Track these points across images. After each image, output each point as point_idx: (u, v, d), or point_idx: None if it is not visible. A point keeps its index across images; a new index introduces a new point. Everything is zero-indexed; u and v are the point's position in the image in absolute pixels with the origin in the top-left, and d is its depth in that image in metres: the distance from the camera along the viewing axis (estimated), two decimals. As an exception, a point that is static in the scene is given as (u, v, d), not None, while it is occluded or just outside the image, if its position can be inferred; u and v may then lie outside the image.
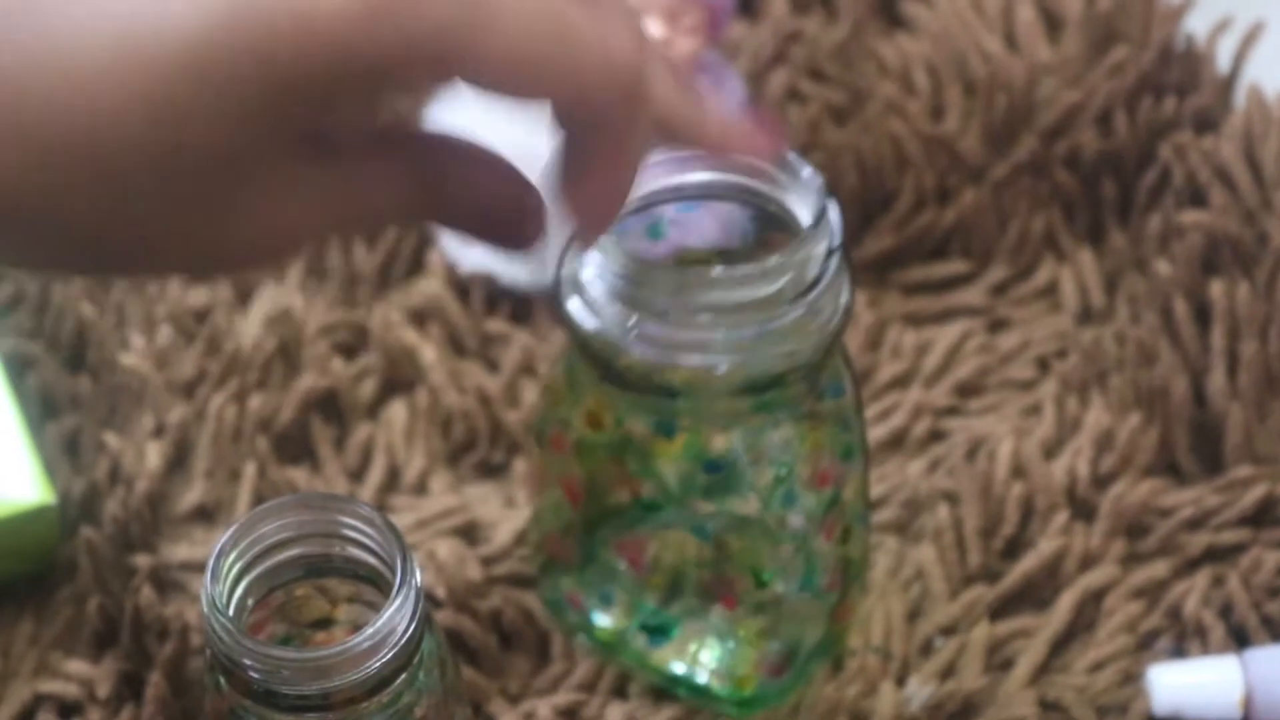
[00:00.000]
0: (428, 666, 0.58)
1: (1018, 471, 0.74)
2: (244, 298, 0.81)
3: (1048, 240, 0.83)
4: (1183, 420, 0.75)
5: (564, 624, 0.70)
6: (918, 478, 0.75)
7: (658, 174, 0.60)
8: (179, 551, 0.74)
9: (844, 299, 0.60)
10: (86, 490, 0.73)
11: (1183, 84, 0.85)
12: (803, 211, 0.59)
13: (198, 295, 0.81)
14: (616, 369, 0.60)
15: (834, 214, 0.58)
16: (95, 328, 0.79)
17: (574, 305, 0.60)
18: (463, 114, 0.81)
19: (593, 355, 0.60)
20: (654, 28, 0.77)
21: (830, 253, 0.58)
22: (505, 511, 0.75)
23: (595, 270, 0.59)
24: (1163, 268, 0.79)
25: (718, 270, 0.58)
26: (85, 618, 0.70)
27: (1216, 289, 0.77)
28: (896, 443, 0.77)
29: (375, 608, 0.58)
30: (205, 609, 0.55)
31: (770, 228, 0.61)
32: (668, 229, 0.62)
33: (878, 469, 0.76)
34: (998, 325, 0.82)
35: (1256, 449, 0.75)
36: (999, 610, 0.72)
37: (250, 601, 0.58)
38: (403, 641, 0.55)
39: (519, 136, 0.78)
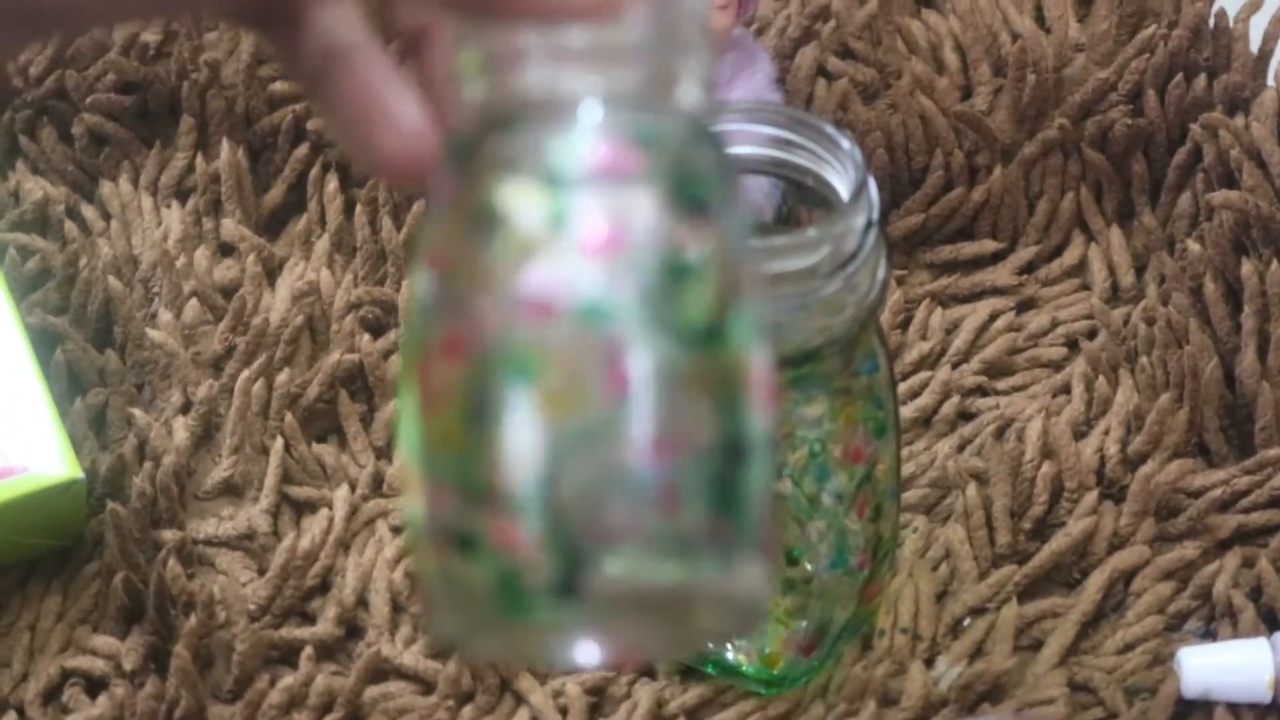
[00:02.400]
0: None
1: (1047, 451, 0.74)
2: (271, 274, 0.81)
3: (1077, 219, 0.83)
4: (1212, 401, 0.75)
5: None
6: (946, 457, 0.75)
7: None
8: (205, 527, 0.73)
9: (881, 274, 0.59)
10: (114, 465, 0.73)
11: (1214, 63, 0.84)
12: (840, 185, 0.59)
13: (225, 271, 0.81)
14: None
15: (872, 188, 0.58)
16: (122, 303, 0.79)
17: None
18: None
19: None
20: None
21: (868, 226, 0.58)
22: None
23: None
24: (1193, 247, 0.79)
25: (756, 240, 0.57)
26: (112, 592, 0.70)
27: (1247, 269, 0.77)
28: (925, 422, 0.77)
29: None
30: None
31: (804, 202, 0.61)
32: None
33: (906, 448, 0.75)
34: (1026, 304, 0.81)
35: (1287, 430, 0.75)
36: (1028, 590, 0.72)
37: None
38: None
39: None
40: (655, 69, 0.41)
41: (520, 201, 0.40)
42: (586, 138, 0.40)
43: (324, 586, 0.71)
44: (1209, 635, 0.71)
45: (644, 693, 0.68)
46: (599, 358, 0.39)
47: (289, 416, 0.75)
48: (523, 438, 0.39)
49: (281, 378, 0.76)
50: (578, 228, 0.39)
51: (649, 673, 0.70)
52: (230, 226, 0.82)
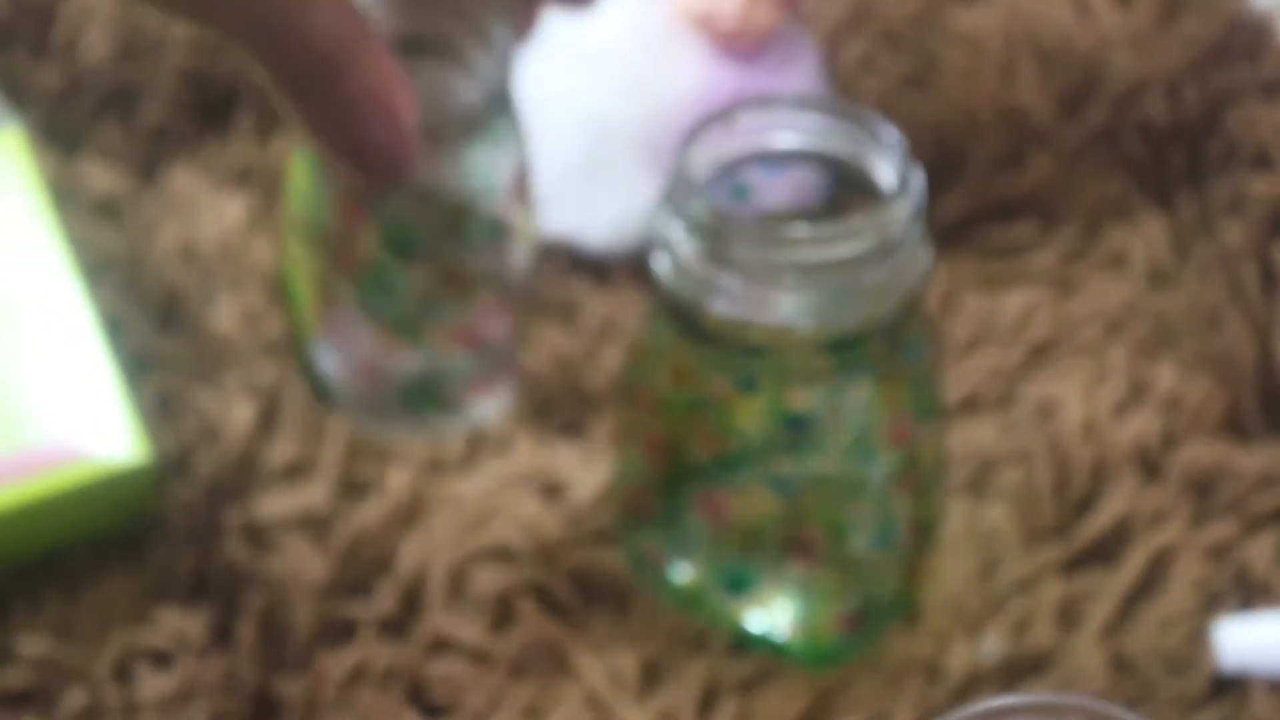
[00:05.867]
0: None
1: (1088, 433, 0.75)
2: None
3: (1118, 207, 0.85)
4: (1250, 383, 0.76)
5: (644, 578, 0.72)
6: (990, 439, 0.77)
7: (743, 136, 0.62)
8: (269, 507, 0.75)
9: (925, 261, 0.61)
10: (179, 448, 0.75)
11: (1251, 52, 0.86)
12: (886, 173, 0.60)
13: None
14: (701, 326, 0.61)
15: (918, 177, 0.59)
16: (185, 290, 0.81)
17: (661, 263, 0.61)
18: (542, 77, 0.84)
19: (678, 312, 0.62)
20: (733, -2, 0.78)
21: (913, 215, 0.59)
22: (586, 472, 0.76)
23: (683, 228, 0.60)
24: (1230, 233, 0.80)
25: (803, 229, 0.59)
26: (178, 572, 0.72)
27: (1283, 254, 0.78)
28: (969, 405, 0.79)
29: None
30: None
31: (851, 190, 0.63)
32: (752, 191, 0.63)
33: (950, 430, 0.77)
34: (1068, 290, 0.83)
35: (1323, 411, 0.76)
36: (1069, 568, 0.73)
37: None
38: None
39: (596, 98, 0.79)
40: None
41: None
42: None
43: (385, 564, 0.73)
44: (1247, 612, 0.72)
45: (695, 668, 0.70)
46: None
47: (349, 400, 0.77)
48: None
49: (341, 363, 0.78)
50: None
51: (701, 647, 0.71)
52: (290, 215, 0.84)
